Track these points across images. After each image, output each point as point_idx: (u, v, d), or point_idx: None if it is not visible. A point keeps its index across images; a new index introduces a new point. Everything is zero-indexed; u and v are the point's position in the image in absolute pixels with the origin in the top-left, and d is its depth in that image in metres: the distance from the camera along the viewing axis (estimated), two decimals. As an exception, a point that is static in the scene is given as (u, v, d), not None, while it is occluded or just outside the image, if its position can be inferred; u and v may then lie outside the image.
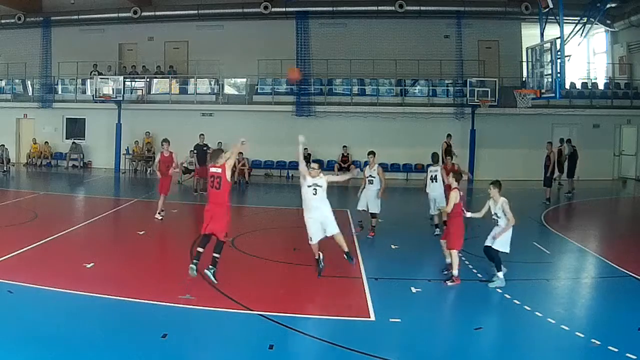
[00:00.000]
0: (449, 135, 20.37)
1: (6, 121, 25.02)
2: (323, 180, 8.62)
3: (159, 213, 12.90)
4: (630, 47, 23.49)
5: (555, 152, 17.33)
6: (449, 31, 23.41)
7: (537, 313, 7.13)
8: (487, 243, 8.42)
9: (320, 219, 8.57)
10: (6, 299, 7.26)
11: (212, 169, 8.04)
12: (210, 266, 7.96)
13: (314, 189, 8.55)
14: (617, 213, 17.64)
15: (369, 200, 11.67)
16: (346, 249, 8.66)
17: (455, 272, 8.41)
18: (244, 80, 24.68)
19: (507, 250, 8.36)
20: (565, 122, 22.46)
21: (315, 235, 8.56)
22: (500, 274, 8.31)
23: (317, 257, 8.66)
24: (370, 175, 11.77)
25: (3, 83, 25.89)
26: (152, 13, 24.49)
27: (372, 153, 12.01)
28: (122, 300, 7.37)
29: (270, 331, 6.53)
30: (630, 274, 9.00)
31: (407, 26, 23.63)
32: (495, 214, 8.35)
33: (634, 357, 5.80)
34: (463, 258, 9.99)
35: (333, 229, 8.57)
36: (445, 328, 6.90)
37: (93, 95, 23.46)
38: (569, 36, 15.98)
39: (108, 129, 23.79)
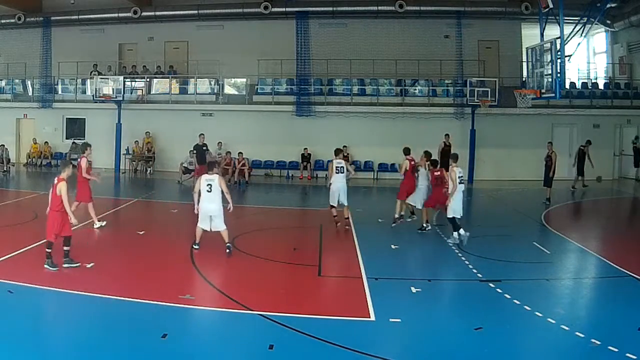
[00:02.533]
0: (446, 135, 20.34)
1: (6, 121, 24.99)
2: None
3: (98, 221, 11.96)
4: (630, 47, 23.48)
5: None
6: (449, 31, 23.37)
7: (537, 313, 7.13)
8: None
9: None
10: (6, 299, 7.26)
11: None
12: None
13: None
14: (617, 213, 17.62)
15: (342, 192, 12.01)
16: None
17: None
18: (244, 80, 24.67)
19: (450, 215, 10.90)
20: (565, 122, 22.47)
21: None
22: (456, 234, 10.77)
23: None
24: (339, 166, 12.16)
25: (3, 83, 25.86)
26: (152, 13, 24.46)
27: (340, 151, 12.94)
28: (122, 300, 7.37)
29: (270, 331, 6.53)
30: (630, 274, 8.99)
31: (407, 26, 23.60)
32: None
33: (634, 357, 5.79)
34: (462, 258, 10.03)
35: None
36: (445, 328, 6.89)
37: (93, 95, 23.44)
38: (569, 36, 15.95)
39: (108, 129, 23.76)
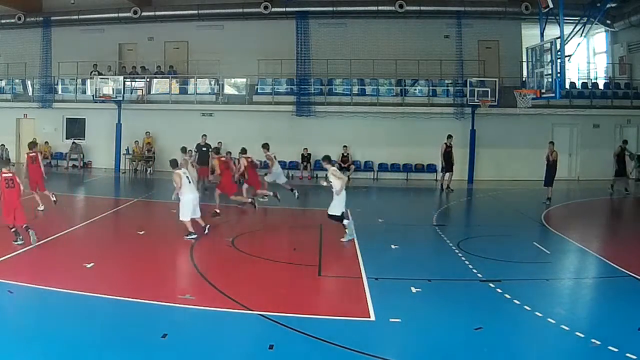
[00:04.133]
0: (449, 137, 20.13)
1: (6, 121, 24.95)
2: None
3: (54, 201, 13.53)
4: (630, 47, 23.45)
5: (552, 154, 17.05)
6: (449, 31, 23.34)
7: (537, 313, 7.13)
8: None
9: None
10: (6, 299, 7.26)
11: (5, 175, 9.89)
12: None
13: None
14: (617, 213, 17.63)
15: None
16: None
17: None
18: (244, 80, 24.63)
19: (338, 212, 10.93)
20: (565, 122, 22.46)
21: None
22: (346, 222, 10.92)
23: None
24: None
25: (3, 83, 25.83)
26: (152, 13, 24.43)
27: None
28: (122, 300, 7.38)
29: (270, 331, 6.54)
30: (630, 274, 8.99)
31: (407, 26, 23.59)
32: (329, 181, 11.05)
33: (634, 357, 5.79)
34: (462, 258, 10.02)
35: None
36: (445, 328, 6.88)
37: (93, 95, 23.42)
38: (569, 36, 15.94)
39: (108, 129, 23.75)
